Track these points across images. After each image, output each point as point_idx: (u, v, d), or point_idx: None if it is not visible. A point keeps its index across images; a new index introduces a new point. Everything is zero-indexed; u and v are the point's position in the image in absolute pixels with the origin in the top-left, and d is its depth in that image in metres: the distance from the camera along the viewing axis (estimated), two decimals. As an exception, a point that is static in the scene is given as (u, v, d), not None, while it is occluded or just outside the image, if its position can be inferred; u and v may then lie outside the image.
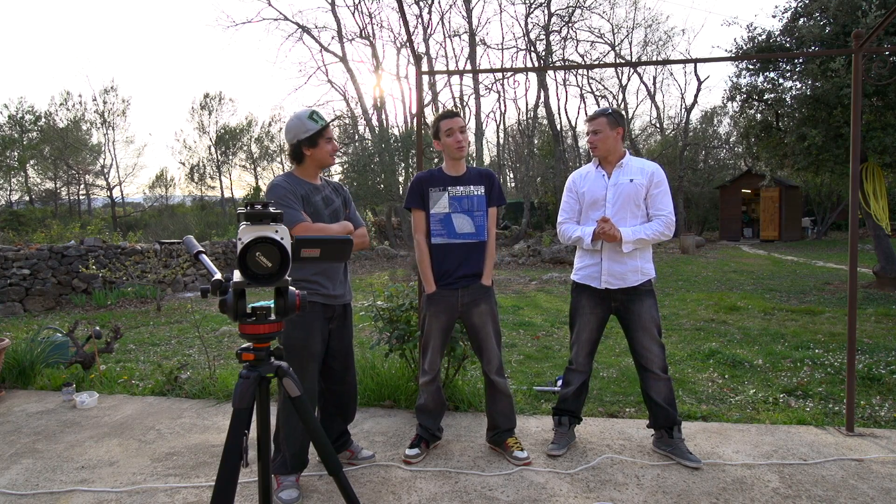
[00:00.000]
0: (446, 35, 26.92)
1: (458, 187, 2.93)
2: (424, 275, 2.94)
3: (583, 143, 32.09)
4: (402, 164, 18.42)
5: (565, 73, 28.85)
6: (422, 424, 3.06)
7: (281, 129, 39.78)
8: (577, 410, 3.14)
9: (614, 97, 30.02)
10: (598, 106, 31.49)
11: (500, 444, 3.03)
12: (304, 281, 2.61)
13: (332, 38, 25.84)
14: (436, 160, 18.36)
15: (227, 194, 41.12)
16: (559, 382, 4.15)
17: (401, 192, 18.46)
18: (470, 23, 23.54)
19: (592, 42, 30.21)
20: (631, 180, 2.94)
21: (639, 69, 29.17)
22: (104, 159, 36.42)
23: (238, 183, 48.65)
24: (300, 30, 23.38)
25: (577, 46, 27.73)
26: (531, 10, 25.33)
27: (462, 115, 3.05)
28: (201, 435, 3.38)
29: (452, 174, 2.97)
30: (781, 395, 3.97)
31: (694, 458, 2.83)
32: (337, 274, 2.75)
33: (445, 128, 2.92)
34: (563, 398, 3.13)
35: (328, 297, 2.68)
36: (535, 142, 29.25)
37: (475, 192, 2.96)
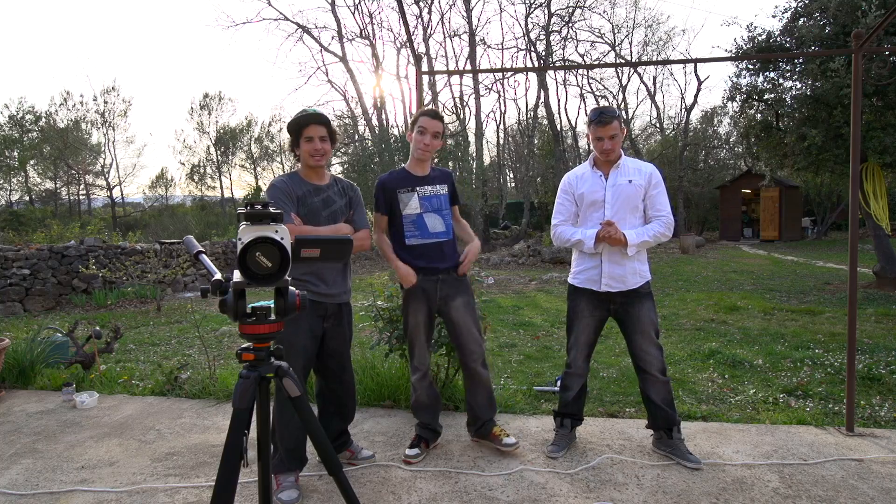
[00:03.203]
0: (446, 35, 26.89)
1: (425, 187, 2.94)
2: (395, 264, 2.91)
3: (583, 143, 32.12)
4: (403, 164, 18.40)
5: (565, 73, 28.86)
6: (420, 423, 3.06)
7: (281, 129, 39.83)
8: (579, 413, 3.14)
9: (614, 97, 30.04)
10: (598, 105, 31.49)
11: (486, 435, 3.03)
12: (294, 279, 2.62)
13: (332, 38, 25.86)
14: (436, 160, 18.34)
15: (227, 194, 41.12)
16: (559, 382, 4.16)
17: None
18: (470, 23, 23.53)
19: (592, 42, 30.26)
20: (630, 181, 2.89)
21: (639, 69, 29.17)
22: (104, 159, 36.45)
23: (238, 183, 48.69)
24: (300, 30, 23.40)
25: (577, 46, 27.75)
26: (531, 10, 25.35)
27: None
28: (201, 435, 3.38)
29: (419, 174, 2.97)
30: (781, 395, 3.97)
31: (694, 459, 2.83)
32: (331, 273, 2.73)
33: (420, 124, 2.89)
34: (564, 403, 3.11)
35: (318, 295, 2.66)
36: (535, 142, 29.26)
37: (441, 192, 2.97)
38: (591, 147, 3.00)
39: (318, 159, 2.70)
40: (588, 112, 2.99)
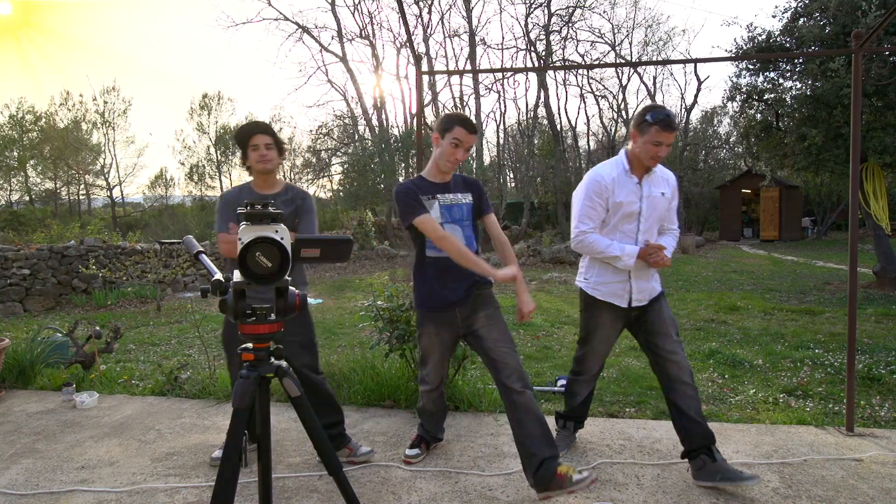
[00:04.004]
0: (446, 35, 26.92)
1: (447, 195, 2.69)
2: (478, 264, 2.51)
3: (583, 143, 32.14)
4: (402, 164, 18.43)
5: (565, 73, 28.85)
6: (423, 425, 3.03)
7: (281, 129, 39.86)
8: (584, 416, 3.09)
9: (614, 97, 30.04)
10: (599, 106, 31.35)
11: (551, 480, 2.32)
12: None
13: (332, 38, 25.87)
14: (436, 160, 18.31)
15: (227, 194, 41.03)
16: (559, 382, 4.15)
17: (401, 192, 18.36)
18: (470, 23, 23.55)
19: (592, 42, 30.17)
20: (662, 193, 2.70)
21: (639, 69, 29.15)
22: (104, 159, 36.45)
23: (238, 183, 48.63)
24: (300, 30, 23.43)
25: (577, 46, 27.75)
26: (531, 10, 25.36)
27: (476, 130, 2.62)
28: (201, 435, 3.38)
29: (438, 181, 2.70)
30: (781, 395, 3.97)
31: (751, 476, 2.48)
32: None
33: (457, 136, 2.59)
34: (571, 407, 3.04)
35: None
36: (535, 142, 29.26)
37: (463, 201, 2.72)
38: (634, 147, 2.65)
39: (265, 164, 2.78)
40: (646, 109, 2.61)
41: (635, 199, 2.66)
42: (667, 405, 2.72)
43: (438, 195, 2.66)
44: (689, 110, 27.94)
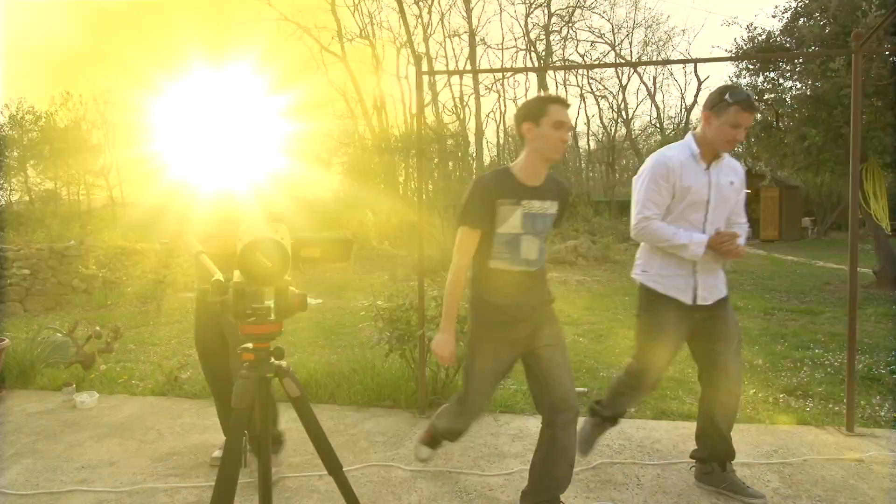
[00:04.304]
0: (446, 35, 26.96)
1: (534, 202, 2.22)
2: (448, 311, 2.25)
3: (583, 142, 32.15)
4: (402, 164, 18.44)
5: (565, 73, 28.87)
6: (438, 427, 2.66)
7: (281, 129, 39.87)
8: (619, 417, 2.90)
9: (614, 97, 30.06)
10: (599, 106, 31.30)
11: None
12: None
13: (332, 38, 25.91)
14: (436, 160, 18.32)
15: (228, 194, 41.05)
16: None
17: (400, 192, 18.44)
18: (470, 23, 23.57)
19: (592, 42, 30.25)
20: (731, 183, 2.50)
21: (639, 69, 29.19)
22: (104, 159, 36.45)
23: (238, 183, 48.58)
24: (300, 30, 23.42)
25: (577, 46, 27.81)
26: (531, 10, 25.43)
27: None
28: (201, 435, 3.38)
29: (530, 183, 2.23)
30: (781, 395, 3.97)
31: (757, 493, 2.46)
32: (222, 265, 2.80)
33: (558, 117, 2.12)
34: (618, 413, 2.84)
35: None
36: (535, 142, 29.26)
37: (550, 211, 2.29)
38: (706, 130, 2.44)
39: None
40: (724, 89, 2.38)
41: (703, 186, 2.45)
42: (699, 410, 2.59)
43: (524, 201, 2.21)
44: (689, 110, 27.99)
